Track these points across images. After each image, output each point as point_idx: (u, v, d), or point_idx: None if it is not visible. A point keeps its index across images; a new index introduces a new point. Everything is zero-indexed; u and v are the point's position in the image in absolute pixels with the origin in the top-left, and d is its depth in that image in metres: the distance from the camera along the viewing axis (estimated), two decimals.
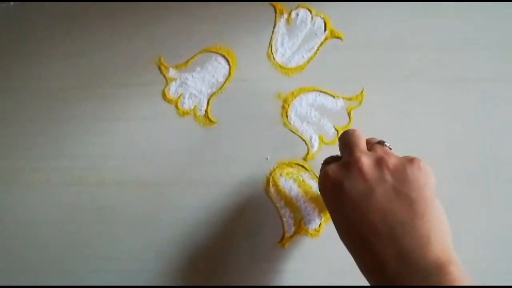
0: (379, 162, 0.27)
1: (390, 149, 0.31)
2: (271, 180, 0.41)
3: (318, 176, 0.41)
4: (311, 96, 0.42)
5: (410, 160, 0.27)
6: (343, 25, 0.42)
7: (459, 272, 0.23)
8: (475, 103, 0.41)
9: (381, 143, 0.31)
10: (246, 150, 0.42)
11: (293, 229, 0.41)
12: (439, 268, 0.23)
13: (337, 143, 0.41)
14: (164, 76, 0.42)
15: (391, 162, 0.27)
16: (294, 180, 0.41)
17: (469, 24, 0.42)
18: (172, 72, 0.42)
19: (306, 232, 0.41)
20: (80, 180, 0.42)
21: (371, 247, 0.25)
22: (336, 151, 0.41)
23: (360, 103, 0.41)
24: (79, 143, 0.42)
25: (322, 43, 0.42)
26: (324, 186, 0.29)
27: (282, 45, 0.42)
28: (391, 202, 0.25)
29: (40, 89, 0.43)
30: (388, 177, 0.26)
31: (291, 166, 0.41)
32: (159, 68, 0.43)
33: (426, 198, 0.25)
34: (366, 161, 0.27)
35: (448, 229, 0.25)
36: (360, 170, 0.27)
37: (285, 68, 0.42)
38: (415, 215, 0.24)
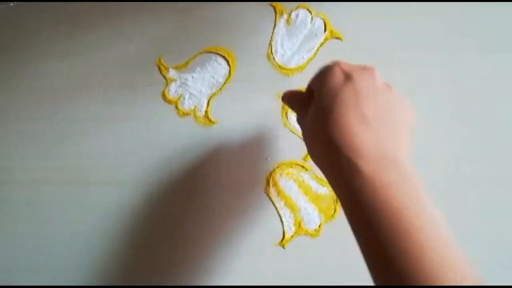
0: (388, 85, 0.30)
1: None
2: (271, 180, 0.41)
3: (316, 176, 0.41)
4: None
5: (406, 98, 0.31)
6: (343, 26, 0.42)
7: (412, 169, 0.27)
8: (476, 103, 0.41)
9: None
10: (246, 150, 0.42)
11: (293, 229, 0.41)
12: (403, 163, 0.27)
13: None
14: (164, 77, 0.43)
15: (395, 91, 0.30)
16: (294, 180, 0.41)
17: (469, 24, 0.42)
18: (172, 73, 0.43)
19: (306, 232, 0.41)
20: (80, 180, 0.42)
21: (358, 131, 0.27)
22: None
23: None
24: (80, 143, 0.43)
25: (322, 43, 0.42)
26: (332, 71, 0.30)
27: (282, 45, 0.42)
28: (385, 109, 0.28)
29: (40, 89, 0.43)
30: (391, 96, 0.29)
31: (291, 166, 0.41)
32: (159, 69, 0.43)
33: (408, 125, 0.29)
34: (379, 75, 0.30)
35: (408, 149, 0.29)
36: (373, 77, 0.29)
37: (285, 69, 0.42)
38: (396, 129, 0.28)
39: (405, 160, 0.27)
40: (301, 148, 0.42)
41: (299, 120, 0.33)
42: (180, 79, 0.43)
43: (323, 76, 0.30)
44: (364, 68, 0.30)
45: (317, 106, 0.29)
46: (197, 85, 0.43)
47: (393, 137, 0.28)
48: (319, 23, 0.42)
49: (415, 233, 0.24)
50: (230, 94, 0.42)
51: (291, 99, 0.34)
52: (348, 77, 0.29)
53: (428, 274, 0.23)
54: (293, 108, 0.35)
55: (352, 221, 0.27)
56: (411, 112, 0.30)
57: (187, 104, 0.42)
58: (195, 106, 0.42)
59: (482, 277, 0.23)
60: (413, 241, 0.24)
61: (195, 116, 0.42)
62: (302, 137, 0.42)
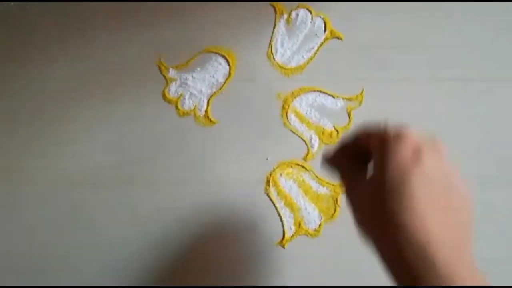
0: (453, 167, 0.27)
1: None
2: (271, 180, 0.41)
3: (316, 176, 0.41)
4: (311, 96, 0.42)
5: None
6: (343, 25, 0.42)
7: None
8: (476, 103, 0.41)
9: None
10: (246, 150, 0.42)
11: (293, 229, 0.41)
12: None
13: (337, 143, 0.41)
14: (164, 77, 0.43)
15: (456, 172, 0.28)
16: (294, 180, 0.41)
17: (469, 24, 0.42)
18: (172, 73, 0.43)
19: (306, 232, 0.41)
20: (81, 180, 0.42)
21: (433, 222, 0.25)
22: None
23: (360, 103, 0.41)
24: (80, 143, 0.43)
25: (322, 43, 0.42)
26: (402, 143, 0.26)
27: (282, 45, 0.42)
28: (462, 199, 0.26)
29: (40, 89, 0.43)
30: (455, 181, 0.27)
31: (291, 166, 0.41)
32: (159, 69, 0.43)
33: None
34: (445, 152, 0.28)
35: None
36: (441, 156, 0.27)
37: (285, 69, 0.42)
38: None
39: (471, 252, 0.25)
40: (301, 148, 0.42)
41: (348, 185, 0.29)
42: (180, 79, 0.43)
43: (389, 145, 0.26)
44: (432, 146, 0.27)
45: (385, 180, 0.26)
46: (197, 85, 0.43)
47: (464, 229, 0.26)
48: (319, 22, 0.42)
49: None
50: (230, 94, 0.42)
51: (335, 161, 0.30)
52: (417, 155, 0.26)
53: None
54: (340, 168, 0.30)
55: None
56: (472, 202, 0.27)
57: (187, 104, 0.42)
58: (195, 106, 0.42)
59: None
60: None
61: (195, 116, 0.42)
62: (302, 137, 0.42)
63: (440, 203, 0.25)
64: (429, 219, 0.24)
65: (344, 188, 0.29)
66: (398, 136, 0.27)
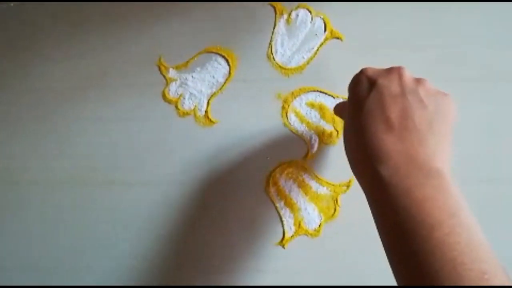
0: (419, 80, 0.29)
1: None
2: (271, 180, 0.41)
3: (316, 176, 0.41)
4: (311, 96, 0.42)
5: (446, 93, 0.29)
6: (343, 26, 0.42)
7: (453, 181, 0.25)
8: (476, 103, 0.41)
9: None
10: (246, 150, 0.42)
11: (293, 229, 0.41)
12: (439, 173, 0.25)
13: (337, 143, 0.41)
14: (164, 77, 0.43)
15: (429, 85, 0.29)
16: (294, 180, 0.41)
17: (469, 24, 0.42)
18: (172, 73, 0.43)
19: (306, 232, 0.41)
20: (81, 180, 0.42)
21: (382, 137, 0.26)
22: (336, 152, 0.41)
23: None
24: (80, 143, 0.43)
25: (322, 43, 0.42)
26: (358, 80, 0.30)
27: (282, 45, 0.42)
28: (414, 110, 0.27)
29: (41, 90, 0.43)
30: (422, 92, 0.28)
31: (291, 166, 0.41)
32: (159, 69, 0.43)
33: (445, 124, 0.27)
34: (407, 73, 0.29)
35: (450, 157, 0.27)
36: (400, 76, 0.28)
37: (285, 69, 0.42)
38: (430, 129, 0.26)
39: (444, 164, 0.25)
40: (301, 148, 0.42)
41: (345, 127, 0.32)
42: (180, 79, 0.43)
43: (351, 86, 0.30)
44: (389, 70, 0.29)
45: (348, 117, 0.29)
46: (197, 85, 0.43)
47: (422, 141, 0.26)
48: (319, 23, 0.42)
49: (431, 251, 0.22)
50: (230, 94, 0.42)
51: (338, 110, 0.35)
52: (372, 83, 0.28)
53: None
54: (341, 118, 0.35)
55: (378, 228, 0.26)
56: (450, 109, 0.28)
57: (187, 104, 0.42)
58: (195, 106, 0.42)
59: None
60: (431, 262, 0.22)
61: (195, 116, 0.42)
62: (302, 137, 0.42)
63: (395, 120, 0.26)
64: (382, 138, 0.26)
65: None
66: (355, 76, 0.30)
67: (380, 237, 0.26)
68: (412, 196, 0.24)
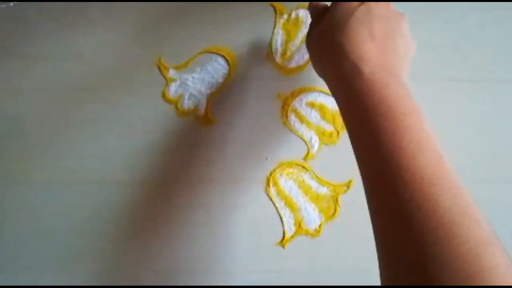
0: (402, 14, 0.33)
1: None
2: (271, 180, 0.41)
3: (316, 176, 0.41)
4: (311, 96, 0.42)
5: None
6: None
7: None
8: (476, 103, 0.41)
9: None
10: (246, 150, 0.42)
11: (293, 229, 0.41)
12: (408, 86, 0.30)
13: (337, 143, 0.41)
14: (164, 77, 0.42)
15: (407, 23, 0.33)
16: (294, 180, 0.41)
17: (469, 24, 0.41)
18: (172, 73, 0.42)
19: (306, 232, 0.41)
20: (81, 180, 0.42)
21: (367, 44, 0.30)
22: (336, 152, 0.41)
23: None
24: (80, 144, 0.42)
25: None
26: None
27: (282, 45, 0.42)
28: (396, 35, 0.31)
29: (40, 90, 0.43)
30: (404, 25, 0.32)
31: (291, 166, 0.41)
32: (159, 69, 0.43)
33: (410, 57, 0.33)
34: (392, 5, 0.33)
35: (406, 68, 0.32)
36: (387, 4, 0.33)
37: (285, 69, 0.42)
38: (404, 55, 0.32)
39: (406, 80, 0.30)
40: (301, 148, 0.42)
41: (310, 29, 0.35)
42: (180, 79, 0.43)
43: None
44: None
45: (331, 19, 0.32)
46: (197, 85, 0.42)
47: (397, 58, 0.31)
48: None
49: (402, 131, 0.26)
50: (230, 94, 0.42)
51: (313, 7, 0.36)
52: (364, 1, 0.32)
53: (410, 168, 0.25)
54: (311, 15, 0.36)
55: (348, 121, 0.30)
56: (413, 44, 0.33)
57: (187, 104, 0.42)
58: (195, 106, 0.42)
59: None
60: (400, 138, 0.26)
61: (195, 116, 0.42)
62: (302, 137, 0.42)
63: (379, 36, 0.30)
64: (365, 45, 0.30)
65: (308, 35, 0.35)
66: None
67: (353, 131, 0.30)
68: (389, 88, 0.28)
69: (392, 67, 0.30)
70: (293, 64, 0.42)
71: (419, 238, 0.23)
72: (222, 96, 0.42)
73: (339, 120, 0.41)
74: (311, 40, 0.34)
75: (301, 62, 0.42)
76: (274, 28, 0.42)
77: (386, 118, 0.27)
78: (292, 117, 0.42)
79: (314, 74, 0.42)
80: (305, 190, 0.41)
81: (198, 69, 0.43)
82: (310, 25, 0.35)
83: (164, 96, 0.42)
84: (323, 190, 0.41)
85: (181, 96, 0.43)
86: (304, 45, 0.42)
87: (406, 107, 0.28)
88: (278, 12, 0.42)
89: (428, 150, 0.26)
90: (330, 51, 0.31)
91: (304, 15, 0.42)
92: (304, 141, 0.42)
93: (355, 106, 0.29)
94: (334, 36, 0.31)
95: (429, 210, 0.23)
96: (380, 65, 0.29)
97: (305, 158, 0.41)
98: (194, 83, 0.42)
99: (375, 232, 0.26)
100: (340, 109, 0.31)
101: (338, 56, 0.30)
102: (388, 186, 0.25)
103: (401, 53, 0.31)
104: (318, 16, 0.34)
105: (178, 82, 0.42)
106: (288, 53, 0.42)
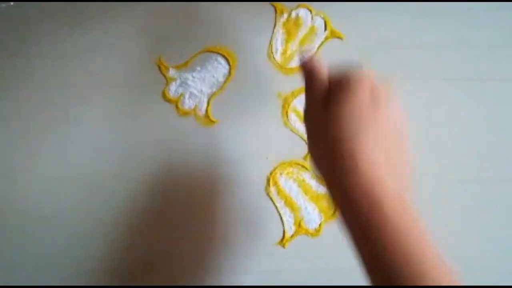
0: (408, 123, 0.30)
1: None
2: (271, 180, 0.41)
3: (316, 176, 0.41)
4: None
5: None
6: (343, 25, 0.42)
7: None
8: (477, 103, 0.41)
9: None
10: (246, 150, 0.42)
11: (293, 229, 0.41)
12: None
13: None
14: (164, 76, 0.42)
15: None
16: (294, 180, 0.41)
17: (470, 24, 0.42)
18: (172, 72, 0.42)
19: (306, 232, 0.41)
20: (80, 180, 0.42)
21: (374, 154, 0.27)
22: None
23: None
24: (79, 143, 0.42)
25: (322, 42, 0.42)
26: (361, 85, 0.28)
27: (282, 45, 0.42)
28: (404, 148, 0.29)
29: (40, 89, 0.43)
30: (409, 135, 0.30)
31: (291, 166, 0.41)
32: (159, 68, 0.43)
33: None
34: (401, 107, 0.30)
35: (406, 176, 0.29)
36: (397, 109, 0.30)
37: (285, 68, 0.42)
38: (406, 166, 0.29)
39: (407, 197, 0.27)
40: (301, 147, 0.42)
41: (310, 108, 0.31)
42: (180, 79, 0.43)
43: (347, 86, 0.28)
44: (390, 94, 0.29)
45: (336, 116, 0.28)
46: (197, 84, 0.42)
47: (403, 174, 0.28)
48: (319, 22, 0.42)
49: (400, 236, 0.25)
50: (230, 94, 0.42)
51: (313, 79, 0.31)
52: (375, 100, 0.28)
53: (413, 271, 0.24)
54: (309, 88, 0.31)
55: (345, 220, 0.28)
56: (413, 159, 0.31)
57: (187, 104, 0.42)
58: (195, 105, 0.42)
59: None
60: (398, 245, 0.25)
61: (195, 115, 0.42)
62: (302, 137, 0.42)
63: (390, 153, 0.28)
64: (380, 164, 0.27)
65: (304, 110, 0.31)
66: (357, 80, 0.29)
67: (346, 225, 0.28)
68: (404, 217, 0.26)
69: (405, 194, 0.27)
70: (293, 64, 0.42)
71: None
72: (222, 96, 0.42)
73: None
74: (312, 121, 0.30)
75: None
76: (274, 27, 0.42)
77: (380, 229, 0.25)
78: (292, 117, 0.42)
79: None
80: (305, 189, 0.41)
81: (199, 69, 0.43)
82: (309, 96, 0.31)
83: (164, 95, 0.42)
84: (323, 190, 0.41)
85: (181, 95, 0.42)
86: (303, 45, 0.42)
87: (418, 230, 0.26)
88: (278, 11, 0.42)
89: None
90: (338, 158, 0.27)
91: (304, 15, 0.42)
92: (304, 140, 0.42)
93: (367, 235, 0.26)
94: (343, 142, 0.27)
95: None
96: (397, 194, 0.26)
97: (305, 158, 0.41)
98: (195, 82, 0.42)
99: None
100: (337, 207, 0.29)
101: (349, 173, 0.27)
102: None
103: (408, 172, 0.29)
104: (320, 94, 0.30)
105: (178, 82, 0.42)
106: (288, 53, 0.42)
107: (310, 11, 0.42)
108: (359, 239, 0.27)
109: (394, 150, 0.28)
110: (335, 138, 0.28)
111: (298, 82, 0.42)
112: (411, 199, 0.27)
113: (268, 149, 0.42)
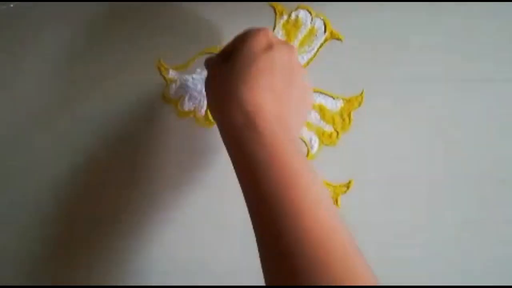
0: (304, 69, 0.36)
1: None
2: None
3: None
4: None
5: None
6: (343, 27, 0.42)
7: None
8: (477, 103, 0.41)
9: None
10: None
11: None
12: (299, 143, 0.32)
13: (337, 144, 0.41)
14: (164, 78, 0.43)
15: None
16: None
17: (470, 24, 0.41)
18: (172, 74, 0.43)
19: None
20: (80, 180, 0.42)
21: (265, 95, 0.30)
22: (336, 153, 0.41)
23: (360, 104, 0.41)
24: (78, 143, 0.43)
25: (322, 44, 0.42)
26: (257, 36, 0.32)
27: None
28: (293, 90, 0.32)
29: (41, 90, 0.43)
30: (305, 77, 0.34)
31: None
32: (159, 70, 0.43)
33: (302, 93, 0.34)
34: (296, 54, 0.35)
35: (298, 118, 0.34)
36: (291, 54, 0.33)
37: None
38: (302, 108, 0.35)
39: (297, 135, 0.32)
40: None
41: (210, 74, 0.34)
42: (180, 80, 0.43)
43: (247, 38, 0.32)
44: (285, 44, 0.33)
45: (235, 64, 0.31)
46: (197, 86, 0.43)
47: (293, 112, 0.31)
48: (319, 23, 0.42)
49: (297, 189, 0.27)
50: None
51: (209, 58, 0.36)
52: (269, 46, 0.31)
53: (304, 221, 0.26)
54: (207, 65, 0.36)
55: (240, 173, 0.30)
56: (312, 100, 0.36)
57: (187, 105, 0.42)
58: (195, 106, 0.42)
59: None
60: (295, 195, 0.27)
61: (195, 116, 0.42)
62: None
63: (279, 88, 0.30)
64: (263, 96, 0.29)
65: (207, 80, 0.34)
66: (255, 31, 0.32)
67: (243, 183, 0.30)
68: (282, 146, 0.28)
69: (288, 122, 0.30)
70: None
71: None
72: None
73: (339, 121, 0.41)
74: (209, 84, 0.34)
75: (301, 63, 0.42)
76: (274, 28, 0.42)
77: (279, 175, 0.27)
78: None
79: (313, 75, 0.42)
80: None
81: (199, 70, 0.43)
82: (210, 69, 0.35)
83: (164, 97, 0.43)
84: None
85: (181, 97, 0.43)
86: (303, 46, 0.42)
87: (299, 164, 0.28)
88: (278, 12, 0.42)
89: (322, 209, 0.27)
90: (228, 98, 0.30)
91: (304, 16, 0.42)
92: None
93: (247, 160, 0.29)
94: (233, 82, 0.30)
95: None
96: (276, 120, 0.29)
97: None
98: (194, 84, 0.43)
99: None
100: (231, 159, 0.31)
101: (235, 105, 0.29)
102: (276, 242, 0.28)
103: (298, 107, 0.32)
104: (218, 61, 0.34)
105: (178, 83, 0.43)
106: None
107: (310, 12, 0.42)
108: (242, 171, 0.30)
109: (285, 95, 0.31)
110: (229, 81, 0.30)
111: None
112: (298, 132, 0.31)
113: None
